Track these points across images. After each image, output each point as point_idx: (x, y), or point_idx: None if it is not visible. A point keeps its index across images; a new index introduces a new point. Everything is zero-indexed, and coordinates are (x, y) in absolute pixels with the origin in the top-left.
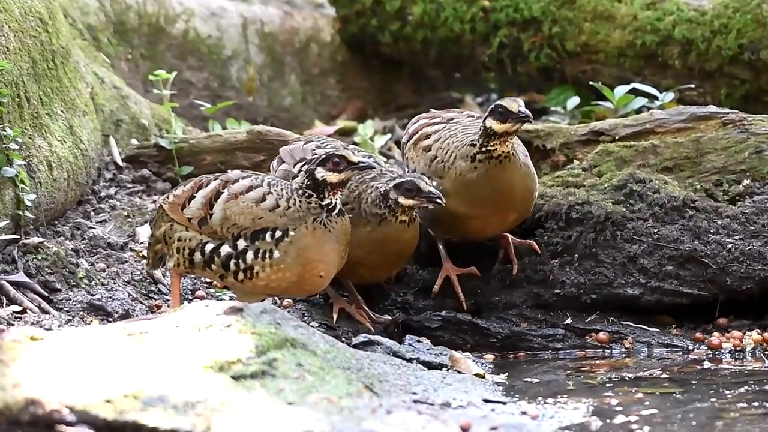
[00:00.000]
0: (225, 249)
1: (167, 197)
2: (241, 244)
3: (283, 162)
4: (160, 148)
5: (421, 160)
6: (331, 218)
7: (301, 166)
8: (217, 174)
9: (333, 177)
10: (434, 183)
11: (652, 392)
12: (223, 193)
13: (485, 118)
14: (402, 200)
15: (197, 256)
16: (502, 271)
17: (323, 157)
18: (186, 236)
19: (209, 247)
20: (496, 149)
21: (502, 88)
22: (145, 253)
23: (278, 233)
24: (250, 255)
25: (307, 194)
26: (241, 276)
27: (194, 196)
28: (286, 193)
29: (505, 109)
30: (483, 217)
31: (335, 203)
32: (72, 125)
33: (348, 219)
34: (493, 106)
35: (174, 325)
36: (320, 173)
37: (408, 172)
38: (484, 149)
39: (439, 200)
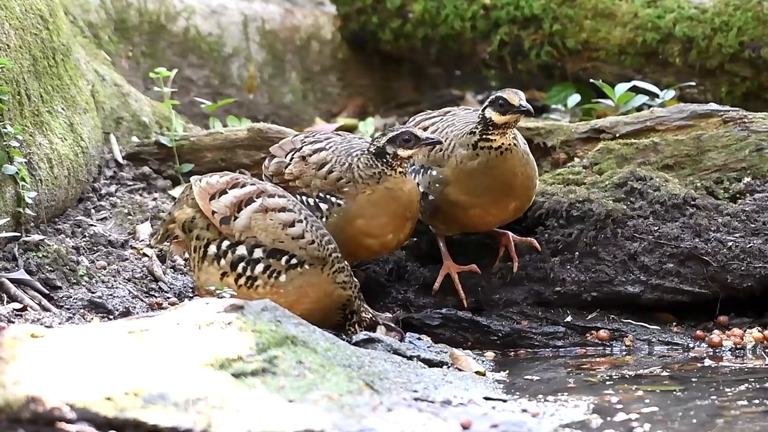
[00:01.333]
0: (241, 249)
1: (200, 179)
2: (258, 253)
3: (275, 157)
4: (161, 146)
5: (420, 152)
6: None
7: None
8: (255, 180)
9: (404, 152)
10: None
11: (653, 390)
12: (255, 201)
13: (485, 108)
14: (401, 152)
15: (211, 248)
16: (502, 268)
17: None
18: (204, 235)
19: (225, 243)
20: (496, 140)
21: (503, 85)
22: (146, 250)
23: (294, 261)
24: (259, 267)
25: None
26: (241, 281)
27: (226, 192)
28: (316, 230)
29: (505, 101)
30: (483, 206)
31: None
32: (73, 123)
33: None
34: (493, 97)
35: (174, 323)
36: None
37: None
38: (483, 137)
39: (438, 143)
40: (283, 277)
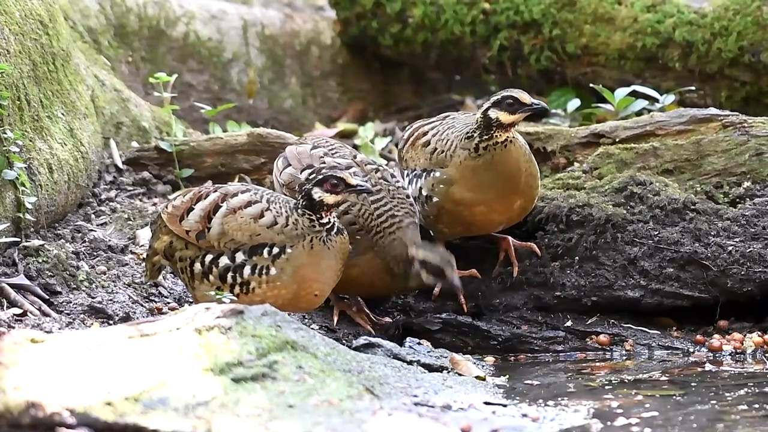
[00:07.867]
0: (223, 260)
1: (166, 207)
2: (240, 257)
3: (289, 165)
4: (161, 151)
5: (421, 157)
6: (331, 236)
7: (307, 177)
8: (216, 185)
9: (330, 198)
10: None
11: (653, 394)
12: (221, 206)
13: (488, 109)
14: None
15: (197, 266)
16: (502, 273)
17: (321, 177)
18: (186, 255)
19: (208, 257)
20: (500, 136)
21: (503, 90)
22: (145, 255)
23: (275, 250)
24: (247, 270)
25: (307, 215)
26: (237, 290)
27: (193, 208)
28: (286, 210)
29: (516, 100)
30: (488, 203)
31: (333, 222)
32: (72, 128)
33: (346, 236)
34: (499, 97)
35: (174, 328)
36: (317, 194)
37: (406, 175)
38: (485, 137)
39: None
40: (273, 270)
